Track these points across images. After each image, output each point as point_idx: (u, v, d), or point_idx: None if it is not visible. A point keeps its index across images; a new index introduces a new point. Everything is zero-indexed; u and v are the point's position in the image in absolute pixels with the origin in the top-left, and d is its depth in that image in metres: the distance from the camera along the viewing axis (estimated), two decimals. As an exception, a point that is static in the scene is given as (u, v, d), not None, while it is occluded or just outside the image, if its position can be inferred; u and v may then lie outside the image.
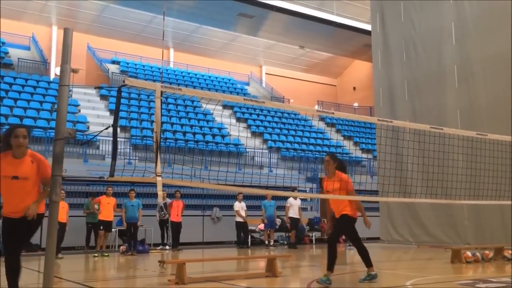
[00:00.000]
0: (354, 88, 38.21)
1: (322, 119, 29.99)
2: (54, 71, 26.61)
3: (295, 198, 15.11)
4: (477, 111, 13.63)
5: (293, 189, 16.06)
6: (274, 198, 15.76)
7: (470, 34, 14.15)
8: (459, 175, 8.80)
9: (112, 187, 12.94)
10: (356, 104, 35.96)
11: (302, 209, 16.40)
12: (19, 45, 27.25)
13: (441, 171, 8.95)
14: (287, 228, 17.12)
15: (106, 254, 12.17)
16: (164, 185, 4.79)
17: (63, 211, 11.98)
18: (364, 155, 26.55)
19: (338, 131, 29.57)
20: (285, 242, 16.16)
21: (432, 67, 15.33)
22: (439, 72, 15.03)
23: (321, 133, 27.99)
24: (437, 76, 15.09)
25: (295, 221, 15.14)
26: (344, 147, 26.72)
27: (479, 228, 13.26)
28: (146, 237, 14.65)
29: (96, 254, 11.95)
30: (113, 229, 13.20)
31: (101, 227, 12.35)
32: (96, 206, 12.56)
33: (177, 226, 13.79)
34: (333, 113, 6.73)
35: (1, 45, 25.91)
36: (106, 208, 12.42)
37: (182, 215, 13.94)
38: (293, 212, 15.05)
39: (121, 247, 12.98)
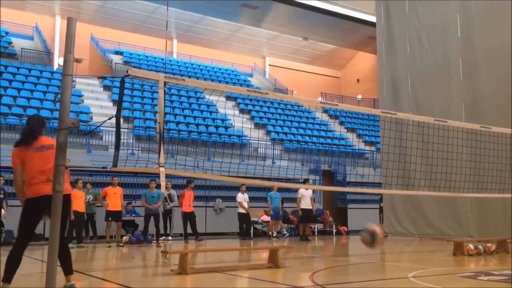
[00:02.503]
0: (358, 80, 38.08)
1: (325, 111, 29.93)
2: (58, 61, 26.61)
3: (306, 189, 14.86)
4: (481, 104, 13.55)
5: (304, 180, 16.01)
6: (279, 189, 15.75)
7: (475, 26, 14.04)
8: (462, 168, 8.79)
9: (117, 177, 12.96)
10: (359, 96, 35.86)
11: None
12: (22, 35, 27.23)
13: (445, 164, 8.94)
14: (289, 219, 17.16)
15: (121, 244, 12.22)
16: (173, 176, 4.79)
17: (81, 201, 12.08)
18: (368, 148, 26.51)
19: (341, 123, 29.52)
20: (287, 234, 16.18)
21: (436, 60, 15.24)
22: (444, 64, 14.94)
23: (325, 125, 27.95)
24: (441, 68, 15.00)
25: (307, 212, 14.95)
26: (347, 139, 26.68)
27: (483, 221, 13.24)
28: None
29: (109, 245, 12.01)
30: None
31: (110, 218, 12.38)
32: (104, 202, 12.59)
33: (189, 216, 13.77)
34: (336, 105, 6.71)
35: (5, 35, 25.91)
36: (113, 199, 12.44)
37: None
38: (305, 203, 14.82)
39: (124, 237, 13.03)
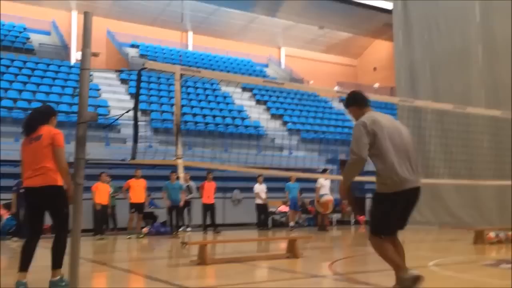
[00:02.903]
0: (375, 69, 37.67)
1: (342, 100, 29.69)
2: (75, 56, 26.86)
3: (325, 179, 14.72)
4: (502, 90, 13.28)
5: (323, 170, 15.91)
6: (296, 180, 15.70)
7: (495, 11, 13.75)
8: (483, 155, 8.66)
9: (140, 170, 13.06)
10: (376, 85, 35.50)
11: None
12: (40, 30, 27.52)
13: (465, 152, 8.83)
14: (307, 210, 17.14)
15: (141, 235, 12.39)
16: (191, 168, 4.82)
17: (104, 194, 12.26)
18: (385, 136, 26.26)
19: (358, 112, 29.25)
20: (305, 224, 16.16)
21: (455, 46, 14.98)
22: (463, 50, 14.68)
23: (341, 114, 27.76)
24: (460, 54, 14.75)
25: None
26: (364, 128, 26.44)
27: (504, 209, 13.03)
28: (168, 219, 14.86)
29: (129, 236, 12.18)
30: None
31: (133, 210, 12.53)
32: (128, 194, 12.74)
33: (209, 208, 13.86)
34: (354, 93, 6.64)
35: (23, 30, 26.22)
36: (136, 191, 12.58)
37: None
38: (324, 193, 14.75)
39: (144, 229, 13.17)
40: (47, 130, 4.83)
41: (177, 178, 12.73)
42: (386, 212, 4.17)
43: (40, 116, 5.00)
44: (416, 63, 16.35)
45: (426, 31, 15.99)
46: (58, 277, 4.72)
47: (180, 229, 13.10)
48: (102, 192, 12.18)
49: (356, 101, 4.45)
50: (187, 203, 14.16)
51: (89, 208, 12.31)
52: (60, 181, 4.77)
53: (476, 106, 10.33)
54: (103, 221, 12.54)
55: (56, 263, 4.74)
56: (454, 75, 14.85)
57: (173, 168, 13.22)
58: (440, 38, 15.54)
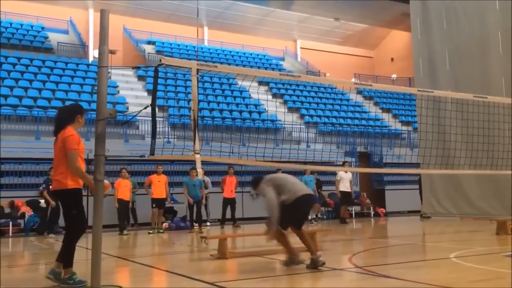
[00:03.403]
0: (392, 59, 37.24)
1: (359, 92, 29.46)
2: (93, 54, 27.13)
3: (345, 171, 14.67)
4: (523, 78, 13.04)
5: (343, 163, 15.86)
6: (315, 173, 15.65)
7: (515, -3, 13.46)
8: (505, 145, 8.51)
9: (162, 166, 13.19)
10: (394, 76, 35.10)
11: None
12: (57, 29, 27.86)
13: (486, 141, 8.68)
14: (326, 203, 17.10)
15: (162, 230, 12.53)
16: (210, 163, 4.85)
17: (126, 189, 12.44)
18: (404, 128, 25.99)
19: (376, 104, 29.02)
20: (324, 217, 16.12)
21: (474, 34, 14.72)
22: (482, 39, 14.42)
23: (359, 106, 27.54)
24: (480, 43, 14.50)
25: (346, 195, 14.76)
26: (383, 120, 26.24)
27: (526, 199, 12.82)
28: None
29: (151, 231, 12.32)
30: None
31: (154, 205, 12.67)
32: (149, 189, 12.87)
33: (230, 202, 13.93)
34: (371, 85, 6.60)
35: (41, 30, 26.57)
36: (157, 186, 12.71)
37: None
38: (344, 186, 14.62)
39: (164, 224, 13.31)
40: (62, 133, 4.91)
41: (197, 174, 12.81)
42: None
43: (65, 115, 5.09)
44: (434, 53, 16.11)
45: (444, 20, 15.74)
46: (67, 276, 4.84)
47: (200, 225, 13.18)
48: (123, 188, 12.36)
49: None
50: (205, 199, 14.25)
51: (111, 204, 12.49)
52: (70, 184, 4.85)
53: (496, 95, 10.15)
54: (126, 217, 12.72)
55: (64, 263, 4.87)
56: (474, 64, 14.60)
57: (193, 164, 13.33)
58: (459, 27, 15.28)
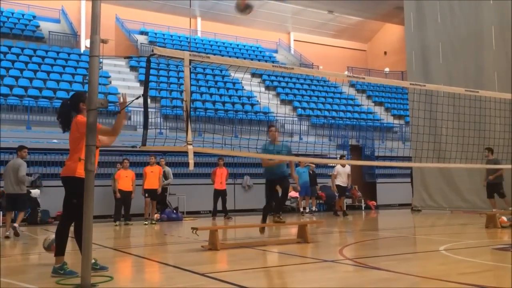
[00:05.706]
0: (385, 53, 37.28)
1: (352, 85, 29.49)
2: (85, 43, 26.90)
3: (343, 165, 14.68)
4: (515, 73, 13.11)
5: (341, 157, 15.82)
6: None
7: (509, -9, 13.49)
8: (496, 139, 8.56)
9: (155, 156, 13.11)
10: (387, 69, 35.16)
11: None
12: (49, 18, 27.57)
13: (478, 135, 8.73)
14: (318, 195, 17.15)
15: (154, 221, 12.49)
16: (200, 154, 4.83)
17: (127, 180, 12.38)
18: (396, 121, 26.10)
19: (368, 97, 29.08)
20: (315, 210, 16.18)
21: (468, 28, 14.76)
22: (476, 33, 14.46)
23: (352, 99, 27.59)
24: (473, 37, 14.54)
25: (343, 189, 14.80)
26: (375, 113, 26.31)
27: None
28: (179, 205, 14.98)
29: (146, 222, 12.29)
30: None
31: (146, 195, 12.63)
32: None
33: (221, 194, 13.92)
34: (363, 78, 6.60)
35: (32, 18, 26.28)
36: (150, 177, 12.66)
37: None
38: (341, 180, 14.68)
39: (156, 215, 13.28)
40: (74, 123, 5.02)
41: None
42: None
43: (67, 109, 5.19)
44: (428, 47, 16.14)
45: (438, 14, 15.75)
46: (58, 265, 4.85)
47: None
48: (123, 179, 12.36)
49: None
50: (165, 190, 13.98)
51: (110, 195, 12.42)
52: (79, 173, 4.84)
53: (489, 89, 10.20)
54: (127, 208, 12.60)
55: (56, 250, 4.92)
56: (467, 58, 14.66)
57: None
58: (452, 21, 15.31)
